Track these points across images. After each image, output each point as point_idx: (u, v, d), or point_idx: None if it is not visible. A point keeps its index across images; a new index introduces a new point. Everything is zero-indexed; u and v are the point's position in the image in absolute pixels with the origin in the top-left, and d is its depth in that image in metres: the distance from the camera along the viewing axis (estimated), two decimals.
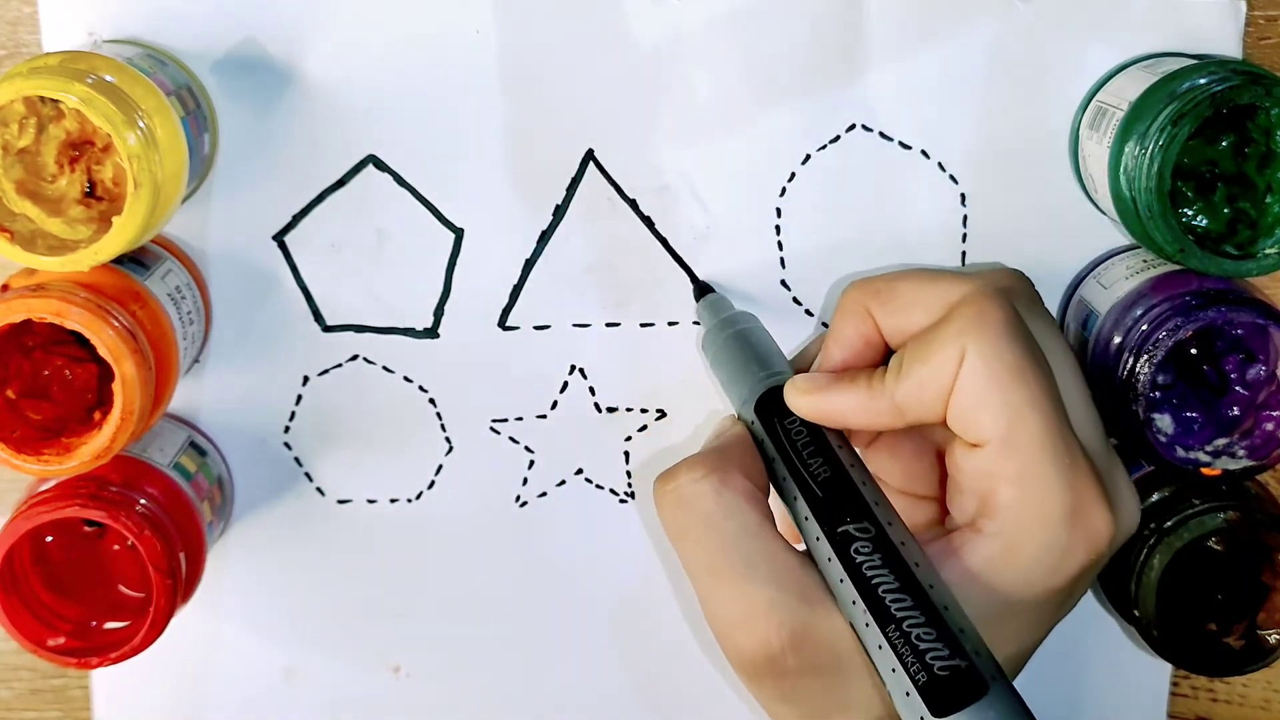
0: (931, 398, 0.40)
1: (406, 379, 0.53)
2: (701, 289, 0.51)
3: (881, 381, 0.40)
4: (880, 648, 0.38)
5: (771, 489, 0.42)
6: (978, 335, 0.39)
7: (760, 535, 0.40)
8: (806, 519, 0.41)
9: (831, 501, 0.41)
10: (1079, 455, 0.39)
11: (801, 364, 0.45)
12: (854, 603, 0.39)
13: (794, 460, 0.42)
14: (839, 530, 0.40)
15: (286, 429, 0.53)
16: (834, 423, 0.42)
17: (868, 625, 0.38)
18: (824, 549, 0.40)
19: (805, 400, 0.42)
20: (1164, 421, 0.47)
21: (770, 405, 0.43)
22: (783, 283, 0.52)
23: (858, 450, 0.43)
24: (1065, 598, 0.39)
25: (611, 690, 0.55)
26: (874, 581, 0.39)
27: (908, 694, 0.37)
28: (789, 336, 0.52)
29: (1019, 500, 0.39)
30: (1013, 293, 0.41)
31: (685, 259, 0.52)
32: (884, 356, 0.43)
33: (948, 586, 0.39)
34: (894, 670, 0.37)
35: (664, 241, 0.52)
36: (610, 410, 0.53)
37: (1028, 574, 0.39)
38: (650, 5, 0.50)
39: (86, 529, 0.50)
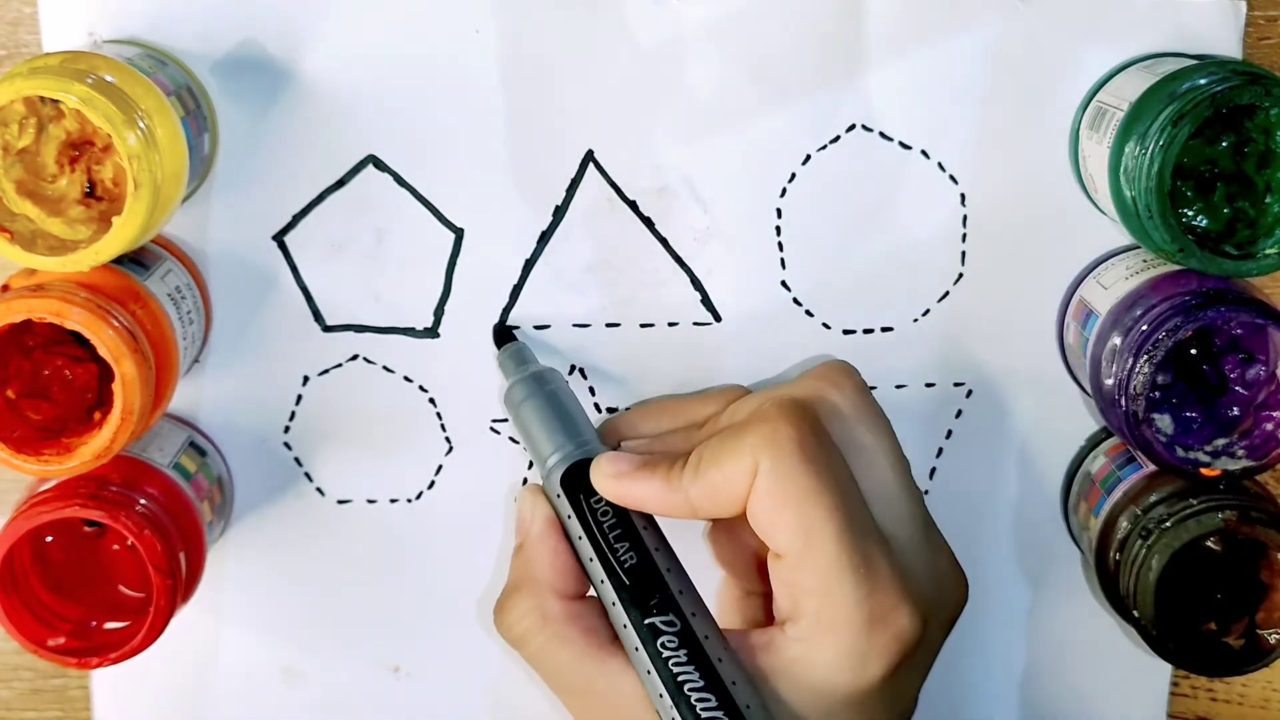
0: (726, 502, 0.42)
1: (406, 379, 0.53)
2: (503, 335, 0.52)
3: (679, 476, 0.43)
4: None
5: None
6: (771, 452, 0.41)
7: (586, 657, 0.43)
8: (614, 604, 0.43)
9: (638, 590, 0.43)
10: (879, 563, 0.41)
11: (615, 430, 0.48)
12: (660, 696, 0.41)
13: (600, 543, 0.44)
14: (646, 622, 0.42)
15: (286, 429, 0.53)
16: (636, 508, 0.44)
17: (674, 719, 0.41)
18: (631, 638, 0.42)
19: (608, 483, 0.44)
20: (1164, 421, 0.47)
21: (576, 480, 0.45)
22: (783, 283, 0.52)
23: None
24: (888, 693, 0.42)
25: None
26: (679, 678, 0.41)
27: None
28: (789, 336, 0.52)
29: (818, 610, 0.41)
30: (820, 395, 0.44)
31: (685, 259, 0.52)
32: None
33: (750, 682, 0.41)
34: None
35: (664, 242, 0.52)
36: (610, 410, 0.53)
37: (831, 676, 0.41)
38: (650, 5, 0.50)
39: (86, 529, 0.50)
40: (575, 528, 0.44)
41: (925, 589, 0.43)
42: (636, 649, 0.42)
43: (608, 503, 0.44)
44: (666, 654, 0.41)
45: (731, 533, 0.48)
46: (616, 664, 0.43)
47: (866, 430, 0.44)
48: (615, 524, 0.44)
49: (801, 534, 0.41)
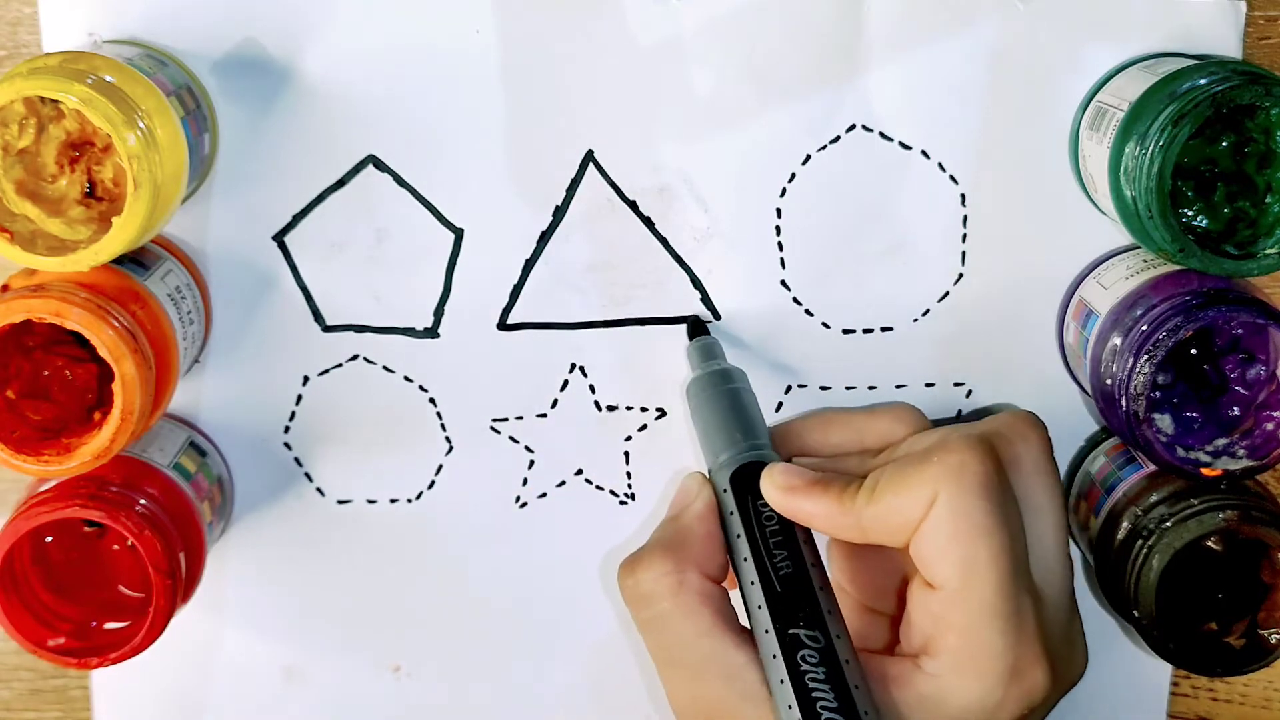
0: (896, 528, 0.42)
1: (406, 379, 0.53)
2: (696, 328, 0.51)
3: (853, 499, 0.42)
4: None
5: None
6: (953, 485, 0.41)
7: (712, 635, 0.42)
8: (760, 608, 0.42)
9: (788, 600, 0.42)
10: (1028, 616, 0.41)
11: (785, 437, 0.47)
12: (790, 707, 0.40)
13: (759, 546, 0.43)
14: (789, 632, 0.41)
15: (286, 429, 0.53)
16: (802, 522, 0.43)
17: None
18: (770, 644, 0.41)
19: (779, 495, 0.44)
20: (1164, 421, 0.47)
21: (744, 480, 0.44)
22: (783, 283, 0.52)
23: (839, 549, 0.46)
24: None
25: (611, 690, 0.55)
26: (814, 695, 0.40)
27: None
28: (789, 336, 0.52)
29: (960, 650, 0.41)
30: (1006, 441, 0.43)
31: (685, 259, 0.52)
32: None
33: (880, 715, 0.40)
34: None
35: (664, 242, 0.52)
36: (610, 409, 0.53)
37: (964, 714, 0.41)
38: (650, 5, 0.50)
39: (86, 529, 0.50)
40: (736, 525, 0.44)
41: (1059, 651, 0.42)
42: (775, 656, 0.41)
43: (773, 510, 0.44)
44: (805, 668, 0.40)
45: (879, 552, 0.46)
46: (741, 656, 0.42)
47: (1041, 488, 0.44)
48: (777, 531, 0.43)
49: (963, 570, 0.40)
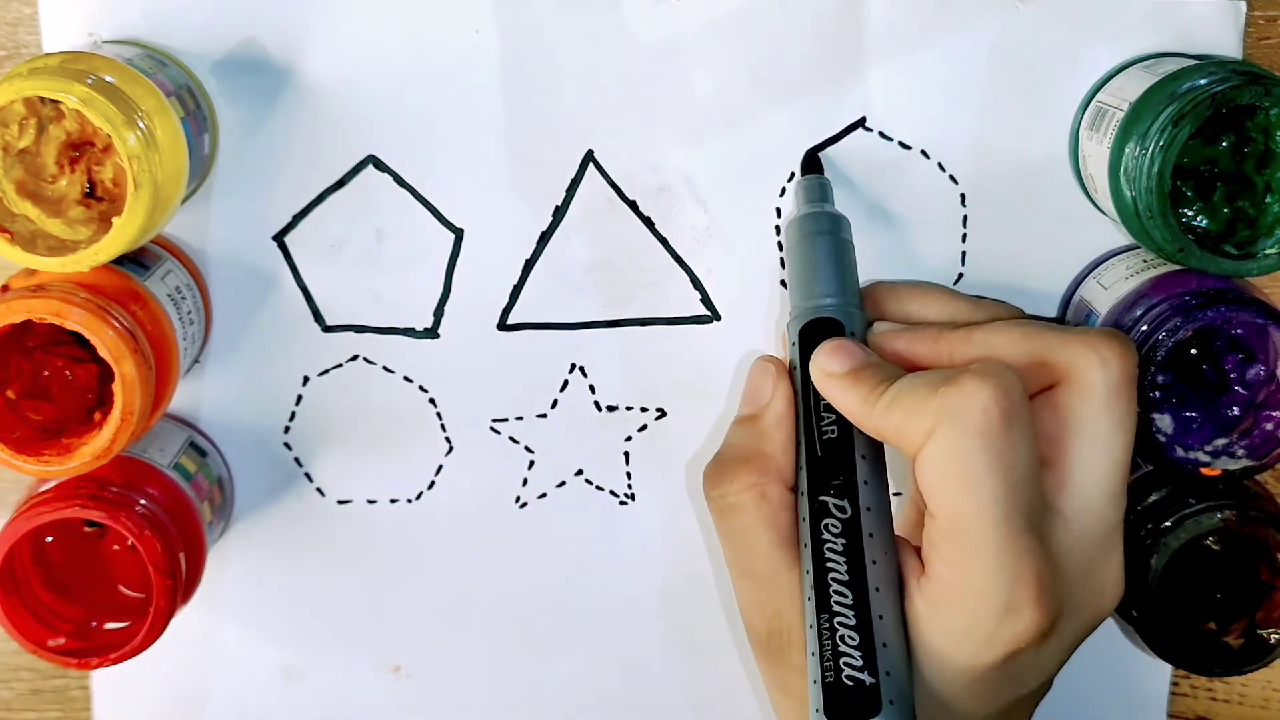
0: (905, 446, 0.41)
1: (406, 379, 0.53)
2: (811, 163, 0.50)
3: (874, 403, 0.42)
4: (811, 627, 0.40)
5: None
6: (949, 424, 0.40)
7: (786, 546, 0.43)
8: (800, 469, 0.42)
9: (825, 465, 0.41)
10: (1025, 558, 0.40)
11: (882, 298, 0.46)
12: (806, 572, 0.40)
13: (810, 407, 0.43)
14: (820, 498, 0.41)
15: (286, 429, 0.53)
16: (835, 406, 0.43)
17: (809, 599, 0.40)
18: (803, 507, 0.41)
19: (819, 375, 0.43)
20: (1164, 421, 0.47)
21: (812, 337, 0.43)
22: (783, 283, 0.52)
23: None
24: (1002, 677, 0.41)
25: (610, 690, 0.55)
26: (827, 564, 0.40)
27: (815, 682, 0.39)
28: None
29: (949, 580, 0.40)
30: (1075, 364, 0.41)
31: (685, 259, 0.52)
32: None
33: (895, 594, 0.40)
34: (813, 654, 0.39)
35: (664, 242, 0.52)
36: (610, 409, 0.53)
37: (947, 645, 0.40)
38: (650, 5, 0.50)
39: (86, 529, 0.50)
40: (798, 380, 0.44)
41: (1076, 589, 0.41)
42: (804, 520, 0.41)
43: None
44: (825, 536, 0.40)
45: None
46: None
47: (1109, 423, 0.41)
48: None
49: (951, 511, 0.40)
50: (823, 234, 0.46)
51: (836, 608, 0.39)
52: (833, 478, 0.41)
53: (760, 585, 0.43)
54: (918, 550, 0.42)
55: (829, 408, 0.42)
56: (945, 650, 0.40)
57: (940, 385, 0.40)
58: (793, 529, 0.43)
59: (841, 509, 0.40)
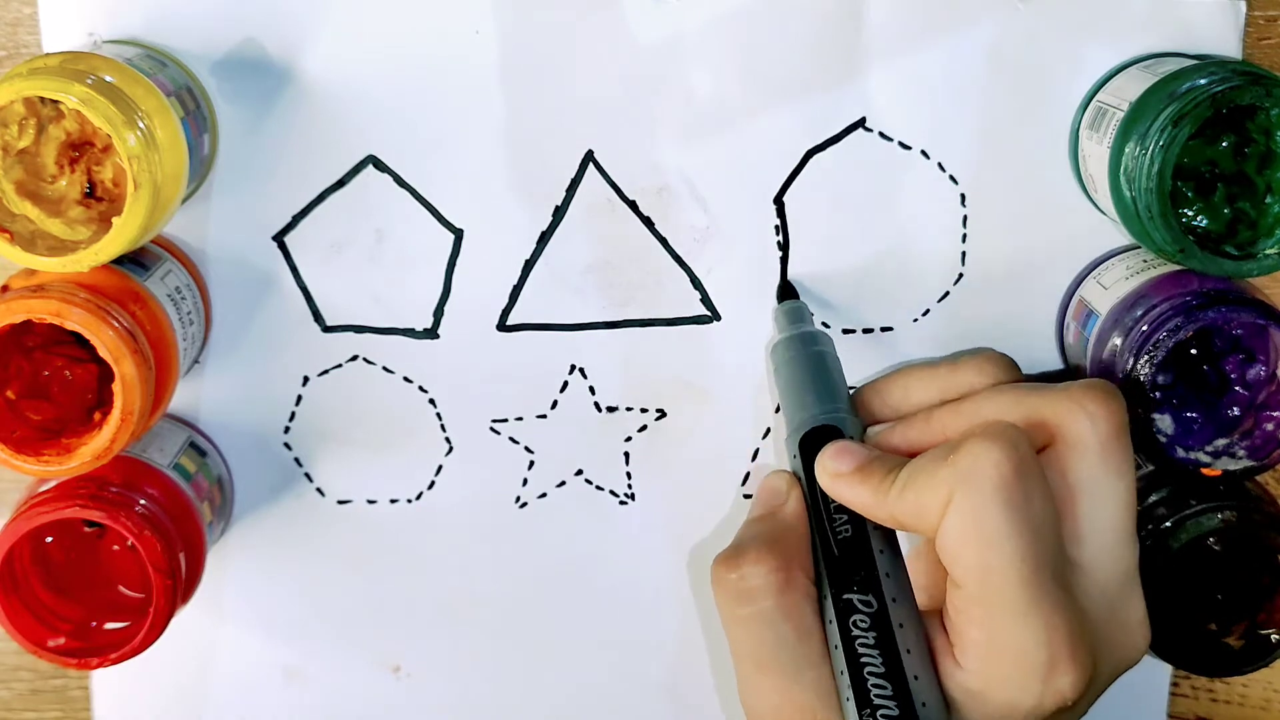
0: (924, 525, 0.41)
1: (406, 379, 0.53)
2: (785, 291, 0.51)
3: (887, 491, 0.41)
4: None
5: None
6: (966, 488, 0.39)
7: (810, 639, 0.41)
8: (820, 574, 0.42)
9: (844, 564, 0.41)
10: (1060, 609, 0.39)
11: (868, 398, 0.45)
12: (841, 673, 0.40)
13: (821, 511, 0.43)
14: (844, 597, 0.41)
15: (286, 429, 0.53)
16: (847, 504, 0.42)
17: (848, 700, 0.39)
18: (828, 610, 0.41)
19: (827, 480, 0.43)
20: (1164, 421, 0.47)
21: (812, 446, 0.44)
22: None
23: None
24: None
25: (610, 691, 0.55)
26: (862, 660, 0.40)
27: None
28: None
29: (986, 646, 0.40)
30: (1065, 419, 0.41)
31: (685, 259, 0.52)
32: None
33: (934, 679, 0.40)
34: None
35: (664, 242, 0.52)
36: (610, 410, 0.53)
37: (1001, 710, 0.40)
38: (650, 5, 0.50)
39: (86, 529, 0.50)
40: (804, 491, 0.44)
41: (1103, 638, 0.41)
42: (830, 622, 0.41)
43: None
44: (855, 633, 0.40)
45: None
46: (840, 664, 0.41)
47: (1107, 473, 0.41)
48: None
49: (980, 574, 0.39)
50: (807, 353, 0.47)
51: (878, 701, 0.39)
52: (854, 575, 0.41)
53: (783, 679, 0.41)
54: (943, 629, 0.41)
55: (840, 509, 0.42)
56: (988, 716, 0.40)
57: (949, 454, 0.40)
58: (815, 622, 0.41)
59: (867, 603, 0.40)
